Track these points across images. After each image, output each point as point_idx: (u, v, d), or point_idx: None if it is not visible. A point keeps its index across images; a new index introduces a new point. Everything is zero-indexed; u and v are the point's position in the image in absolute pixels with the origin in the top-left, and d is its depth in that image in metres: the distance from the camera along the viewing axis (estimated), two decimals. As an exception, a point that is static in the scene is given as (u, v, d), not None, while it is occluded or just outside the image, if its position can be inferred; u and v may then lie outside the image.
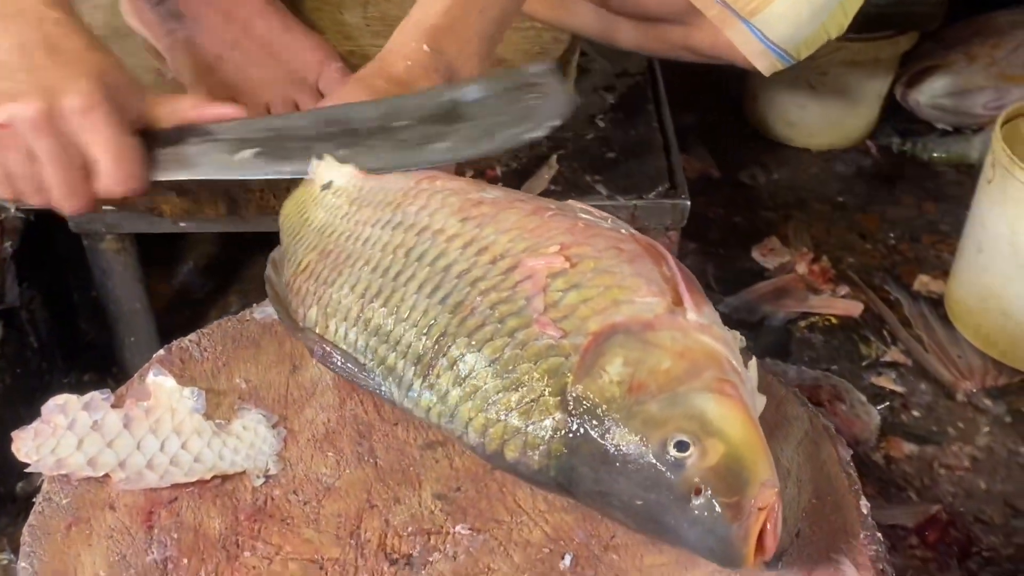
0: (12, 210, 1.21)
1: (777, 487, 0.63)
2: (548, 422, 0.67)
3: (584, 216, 0.77)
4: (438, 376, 0.71)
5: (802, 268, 1.57)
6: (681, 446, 0.63)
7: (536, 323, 0.69)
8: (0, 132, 0.82)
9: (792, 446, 0.78)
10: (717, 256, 1.60)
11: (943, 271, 1.55)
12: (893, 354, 1.45)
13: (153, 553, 0.70)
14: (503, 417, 0.68)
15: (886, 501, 1.28)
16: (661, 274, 0.71)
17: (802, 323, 1.50)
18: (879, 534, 0.72)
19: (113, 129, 0.84)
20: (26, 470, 0.73)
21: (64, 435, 0.75)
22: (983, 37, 1.76)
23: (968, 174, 1.71)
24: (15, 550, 0.72)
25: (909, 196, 1.72)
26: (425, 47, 0.93)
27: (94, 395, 0.77)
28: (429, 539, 0.71)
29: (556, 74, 0.89)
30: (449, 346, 0.71)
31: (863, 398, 1.38)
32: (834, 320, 1.51)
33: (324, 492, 0.74)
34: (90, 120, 0.82)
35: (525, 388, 0.68)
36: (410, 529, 0.72)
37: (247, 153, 0.87)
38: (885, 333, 1.49)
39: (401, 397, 0.73)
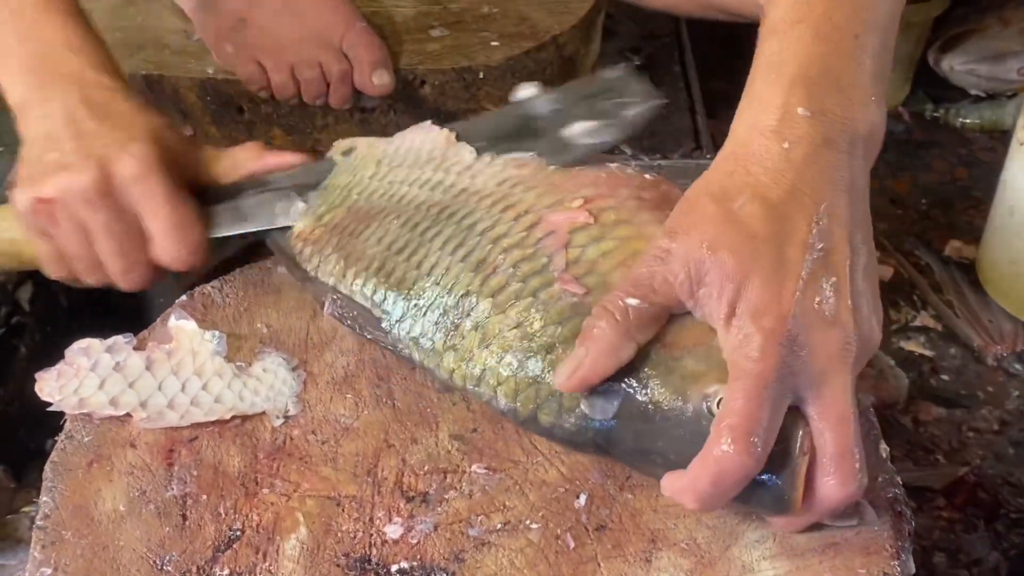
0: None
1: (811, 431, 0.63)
2: None
3: (612, 166, 0.76)
4: (462, 337, 0.70)
5: (831, 233, 1.55)
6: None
7: (558, 281, 0.68)
8: (50, 207, 0.77)
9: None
10: (745, 222, 1.59)
11: (975, 237, 1.53)
12: (923, 319, 1.44)
13: (173, 489, 0.71)
14: (534, 382, 0.68)
15: (914, 464, 1.26)
16: None
17: (830, 288, 1.49)
18: (898, 478, 0.72)
19: (168, 195, 0.78)
20: (48, 409, 0.74)
21: (87, 376, 0.76)
22: (1017, 1, 1.73)
23: (1002, 140, 1.68)
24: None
25: (942, 162, 1.70)
26: (801, 110, 0.65)
27: (117, 338, 0.78)
28: (445, 477, 0.71)
29: (633, 75, 0.85)
30: (473, 307, 0.70)
31: (891, 361, 1.36)
32: (863, 285, 1.49)
33: (342, 432, 0.75)
34: (146, 187, 0.77)
35: (556, 351, 0.67)
36: (427, 468, 0.72)
37: (301, 200, 0.85)
38: (915, 298, 1.47)
39: (422, 356, 0.73)
